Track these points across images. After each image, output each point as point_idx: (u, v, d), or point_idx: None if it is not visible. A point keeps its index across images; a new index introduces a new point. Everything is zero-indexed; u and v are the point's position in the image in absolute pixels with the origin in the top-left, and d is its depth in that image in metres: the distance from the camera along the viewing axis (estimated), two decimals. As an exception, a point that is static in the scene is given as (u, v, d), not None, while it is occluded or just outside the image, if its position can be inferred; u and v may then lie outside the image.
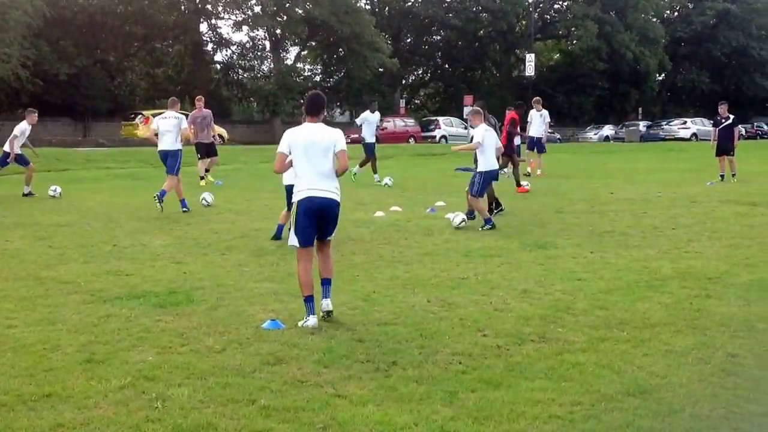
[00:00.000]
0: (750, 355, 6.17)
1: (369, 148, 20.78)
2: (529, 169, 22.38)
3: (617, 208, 15.11)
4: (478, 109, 13.06)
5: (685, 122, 55.39)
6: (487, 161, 12.79)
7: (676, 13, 75.04)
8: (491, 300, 7.88)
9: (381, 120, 25.45)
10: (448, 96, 64.72)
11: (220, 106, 47.98)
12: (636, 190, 18.22)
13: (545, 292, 8.29)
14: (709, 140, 22.93)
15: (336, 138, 7.11)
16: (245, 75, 54.54)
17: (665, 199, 16.49)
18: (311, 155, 7.03)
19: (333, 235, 7.27)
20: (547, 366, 5.90)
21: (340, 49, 52.62)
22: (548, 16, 69.58)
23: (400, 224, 13.02)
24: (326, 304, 7.00)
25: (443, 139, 47.41)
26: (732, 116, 21.34)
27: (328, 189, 7.05)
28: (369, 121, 20.92)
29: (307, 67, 59.58)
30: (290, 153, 7.12)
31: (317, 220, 7.06)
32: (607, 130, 58.71)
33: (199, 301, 7.66)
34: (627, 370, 5.85)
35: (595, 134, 57.64)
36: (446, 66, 68.18)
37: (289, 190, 9.10)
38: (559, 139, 52.46)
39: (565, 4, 69.05)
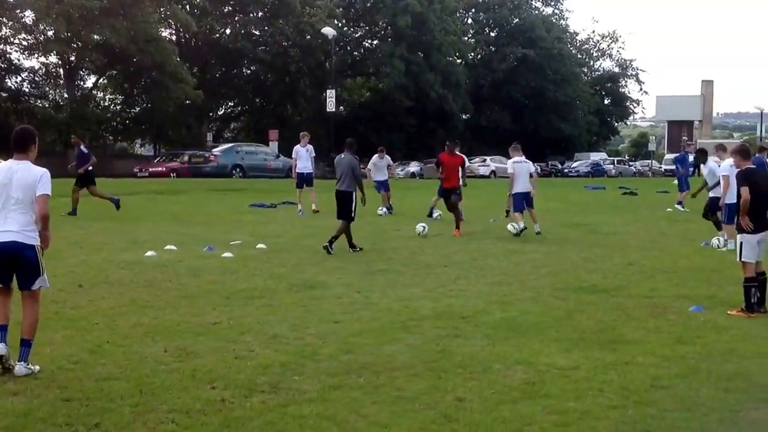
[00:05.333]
0: (477, 398, 6.12)
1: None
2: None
3: (398, 246, 15.20)
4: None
5: (484, 160, 57.60)
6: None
7: (479, 56, 78.34)
8: (235, 347, 7.52)
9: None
10: (259, 130, 64.12)
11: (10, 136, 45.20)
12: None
13: (296, 336, 8.03)
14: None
15: (38, 179, 6.56)
16: (37, 103, 51.67)
17: (446, 236, 16.75)
18: (6, 194, 6.47)
19: (37, 285, 6.66)
20: (266, 421, 5.59)
21: (142, 79, 50.98)
22: (357, 54, 70.78)
23: (169, 264, 12.44)
24: (18, 368, 6.38)
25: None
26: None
27: (14, 230, 6.47)
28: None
29: (108, 96, 57.35)
30: None
31: (3, 264, 6.47)
32: (413, 166, 60.08)
33: None
34: (350, 420, 5.64)
35: (402, 171, 58.79)
36: (256, 100, 67.71)
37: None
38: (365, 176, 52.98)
39: (374, 42, 70.50)
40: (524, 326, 8.56)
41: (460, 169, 17.96)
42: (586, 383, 6.50)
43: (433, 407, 5.92)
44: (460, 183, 17.98)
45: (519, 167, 17.47)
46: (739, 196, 9.42)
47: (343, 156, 14.83)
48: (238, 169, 43.80)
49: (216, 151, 45.66)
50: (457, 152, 20.60)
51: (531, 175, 17.65)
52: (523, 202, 17.20)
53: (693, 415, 5.79)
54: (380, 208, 22.26)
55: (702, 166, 17.29)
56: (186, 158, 45.19)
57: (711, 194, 15.90)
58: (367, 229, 18.32)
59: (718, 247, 15.07)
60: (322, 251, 14.20)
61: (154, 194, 28.75)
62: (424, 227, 16.72)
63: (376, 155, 23.80)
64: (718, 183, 15.82)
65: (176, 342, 7.66)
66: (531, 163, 18.19)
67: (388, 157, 24.53)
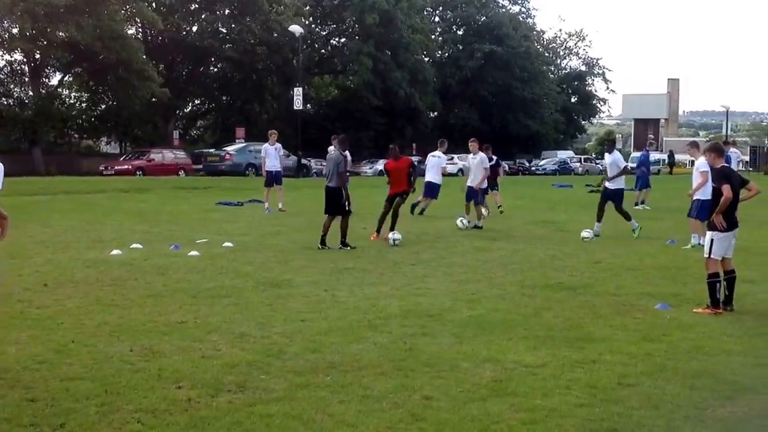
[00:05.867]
0: (444, 397, 6.12)
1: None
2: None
3: (365, 244, 15.17)
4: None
5: (452, 158, 57.62)
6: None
7: (447, 54, 78.57)
8: (201, 346, 7.46)
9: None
10: (226, 128, 63.84)
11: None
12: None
13: (263, 335, 7.98)
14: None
15: None
16: (2, 101, 50.86)
17: (413, 234, 16.75)
18: None
19: None
20: (233, 420, 5.54)
21: (108, 77, 50.43)
22: (324, 52, 70.61)
23: (135, 263, 12.32)
24: None
25: (216, 171, 46.50)
26: (495, 157, 22.37)
27: None
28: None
29: (74, 94, 56.66)
30: None
31: None
32: (381, 164, 60.06)
33: None
34: (317, 419, 5.61)
35: (370, 169, 58.80)
36: (223, 98, 67.30)
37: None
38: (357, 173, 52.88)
39: (342, 40, 70.37)
40: (492, 324, 8.58)
41: (408, 173, 16.14)
42: (553, 381, 6.53)
43: (400, 406, 5.91)
44: (409, 187, 16.33)
45: None
46: (714, 194, 9.46)
47: (332, 152, 14.90)
48: (251, 168, 43.67)
49: (231, 150, 46.51)
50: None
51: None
52: None
53: (659, 412, 5.84)
54: None
55: (606, 155, 17.45)
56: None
57: (610, 185, 16.67)
58: (333, 226, 18.27)
59: (584, 239, 15.93)
60: (289, 249, 14.20)
61: (120, 192, 28.48)
62: (397, 237, 15.17)
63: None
64: (619, 175, 16.33)
65: (142, 341, 7.58)
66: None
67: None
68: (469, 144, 19.01)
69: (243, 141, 47.27)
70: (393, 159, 16.57)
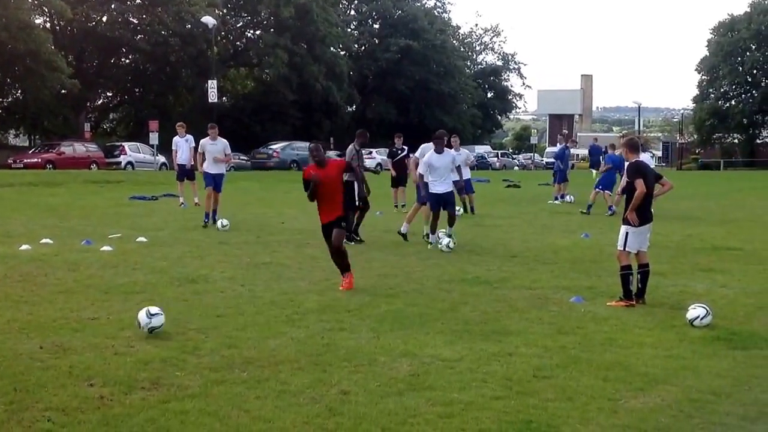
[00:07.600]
0: (362, 391, 6.10)
1: None
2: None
3: (283, 239, 15.06)
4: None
5: (371, 152, 57.68)
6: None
7: (363, 48, 78.56)
8: (114, 343, 7.29)
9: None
10: (139, 121, 62.53)
11: None
12: (308, 220, 18.29)
13: (178, 331, 7.83)
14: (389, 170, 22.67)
15: None
16: None
17: (332, 228, 16.66)
18: None
19: None
20: (147, 417, 5.43)
21: (16, 67, 48.82)
22: (239, 44, 69.75)
23: (45, 258, 11.98)
24: None
25: (129, 166, 45.60)
26: (406, 147, 22.14)
27: None
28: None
29: (-20, 85, 54.72)
30: None
31: None
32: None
33: None
34: (233, 415, 5.54)
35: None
36: (136, 90, 65.83)
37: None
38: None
39: (257, 33, 69.59)
40: (409, 318, 8.60)
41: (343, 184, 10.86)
42: (469, 374, 6.58)
43: (317, 401, 5.87)
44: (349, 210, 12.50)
45: None
46: (628, 189, 9.61)
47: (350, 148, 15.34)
48: (294, 164, 50.24)
49: (277, 147, 53.39)
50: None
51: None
52: None
53: (573, 404, 5.93)
54: (220, 220, 16.71)
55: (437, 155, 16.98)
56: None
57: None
58: (250, 221, 18.13)
59: (434, 243, 14.20)
60: (206, 244, 13.99)
61: (30, 186, 27.70)
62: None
63: (208, 137, 17.83)
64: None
65: (52, 338, 7.37)
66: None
67: (225, 141, 18.07)
68: (395, 139, 18.10)
69: (156, 133, 45.98)
70: (316, 165, 10.49)
